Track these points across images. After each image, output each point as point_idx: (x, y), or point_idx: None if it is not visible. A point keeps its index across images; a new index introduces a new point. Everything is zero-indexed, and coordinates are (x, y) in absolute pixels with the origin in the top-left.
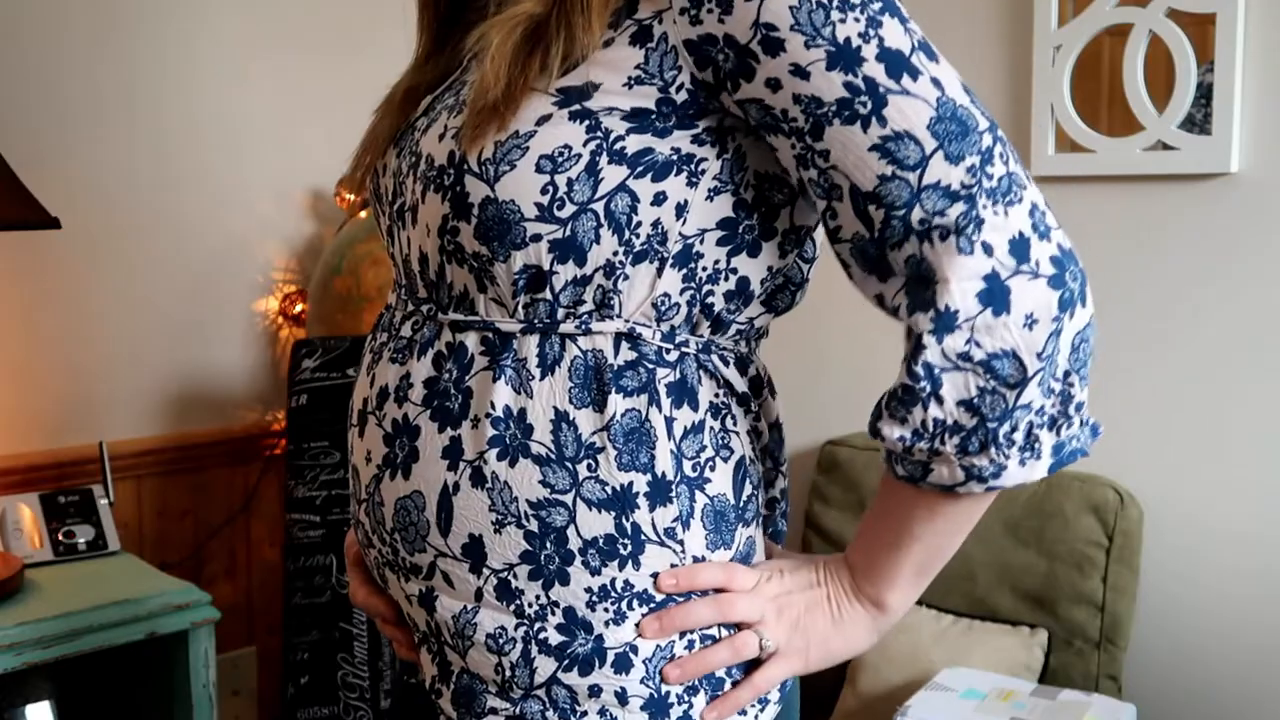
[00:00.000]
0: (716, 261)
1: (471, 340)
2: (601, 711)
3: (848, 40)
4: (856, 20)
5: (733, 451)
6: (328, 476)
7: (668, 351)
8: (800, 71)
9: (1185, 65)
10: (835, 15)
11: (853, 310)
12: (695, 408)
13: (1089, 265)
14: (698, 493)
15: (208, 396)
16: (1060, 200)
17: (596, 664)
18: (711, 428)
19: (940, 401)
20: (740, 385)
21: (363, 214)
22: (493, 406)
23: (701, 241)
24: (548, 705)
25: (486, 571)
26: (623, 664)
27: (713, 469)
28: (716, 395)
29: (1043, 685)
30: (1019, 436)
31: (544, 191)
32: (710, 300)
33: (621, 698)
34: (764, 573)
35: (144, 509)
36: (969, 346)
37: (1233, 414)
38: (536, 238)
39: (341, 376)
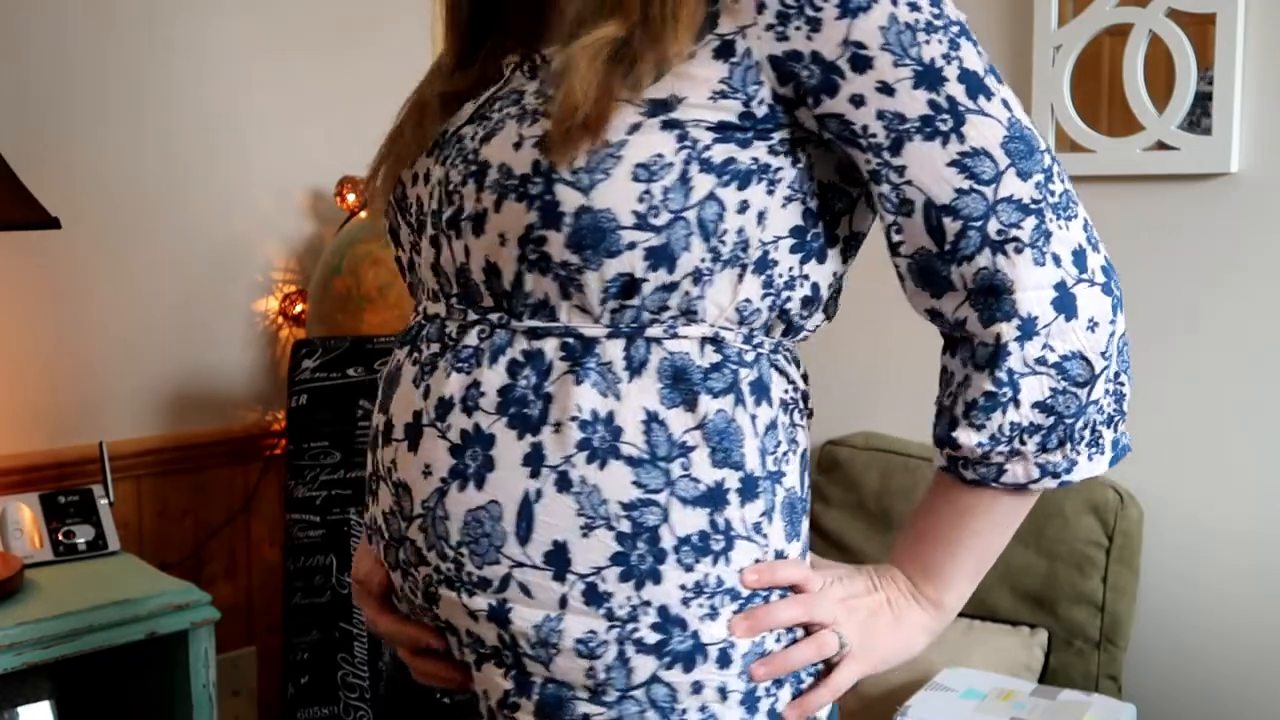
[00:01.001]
0: (790, 268)
1: (550, 346)
2: (702, 708)
3: (932, 60)
4: (940, 42)
5: (798, 445)
6: (328, 476)
7: (746, 353)
8: (886, 89)
9: (1185, 65)
10: (921, 37)
11: (853, 311)
12: (771, 405)
13: None
14: (777, 487)
15: (208, 396)
16: None
17: (699, 660)
18: (783, 423)
19: (1018, 405)
20: (801, 383)
21: (362, 214)
22: (579, 410)
23: (776, 249)
24: (646, 705)
25: (572, 577)
26: (725, 659)
27: (787, 463)
28: (785, 392)
29: (1043, 685)
30: (1088, 433)
31: (640, 200)
32: (788, 306)
33: (723, 693)
34: (827, 576)
35: (144, 509)
36: (1045, 351)
37: (1233, 414)
38: (632, 245)
39: (341, 376)
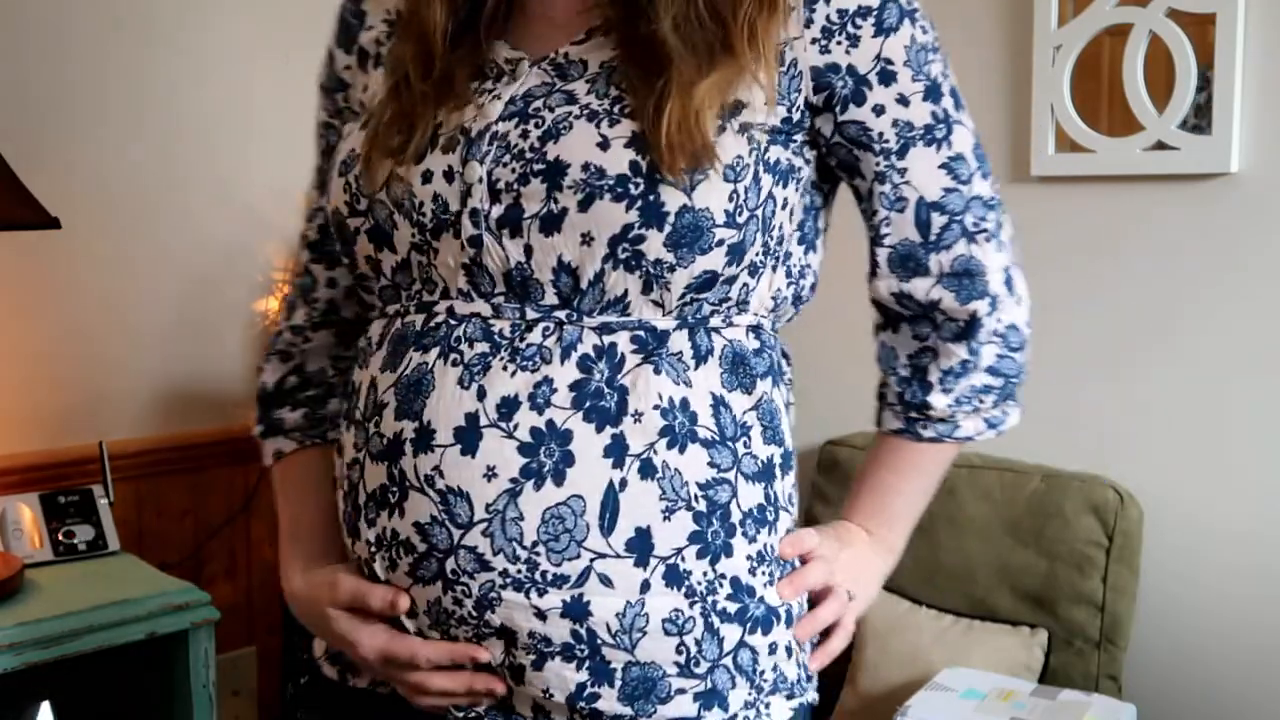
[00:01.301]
0: (799, 260)
1: (622, 340)
2: (774, 667)
3: (936, 76)
4: (939, 61)
5: (789, 416)
6: None
7: (772, 338)
8: (903, 100)
9: (1185, 65)
10: (929, 56)
11: (853, 311)
12: (786, 385)
13: (1088, 265)
14: (793, 459)
15: (208, 396)
16: (1060, 200)
17: (774, 623)
18: (789, 401)
19: (979, 370)
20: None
21: None
22: (659, 398)
23: (793, 242)
24: (734, 671)
25: (654, 561)
26: (789, 620)
27: (789, 435)
28: (784, 371)
29: (1043, 685)
30: (1018, 392)
31: (730, 199)
32: (801, 294)
33: (789, 651)
34: (816, 538)
35: (144, 509)
36: (998, 324)
37: (1233, 414)
38: (720, 243)
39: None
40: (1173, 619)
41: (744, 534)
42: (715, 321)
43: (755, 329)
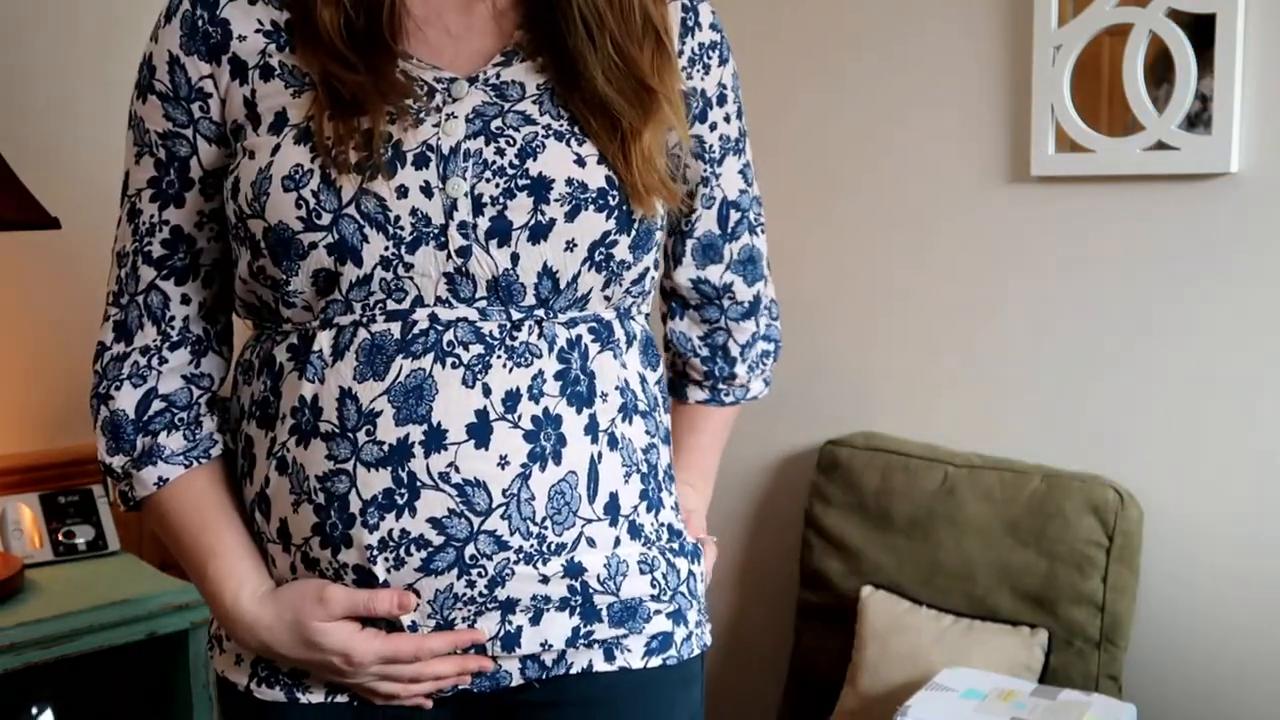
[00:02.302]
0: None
1: (583, 332)
2: (705, 592)
3: (740, 98)
4: (739, 86)
5: None
6: None
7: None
8: (728, 118)
9: (1185, 65)
10: (737, 81)
11: (853, 311)
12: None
13: (1088, 265)
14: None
15: None
16: (1060, 200)
17: (699, 557)
18: None
19: (762, 339)
20: None
21: None
22: (617, 379)
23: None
24: (688, 595)
25: (621, 520)
26: (698, 556)
27: None
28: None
29: (1043, 685)
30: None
31: (663, 206)
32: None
33: (703, 578)
34: (694, 500)
35: None
36: (769, 299)
37: (1233, 414)
38: (658, 244)
39: None
40: (1173, 619)
41: (666, 489)
42: (633, 311)
43: (646, 315)
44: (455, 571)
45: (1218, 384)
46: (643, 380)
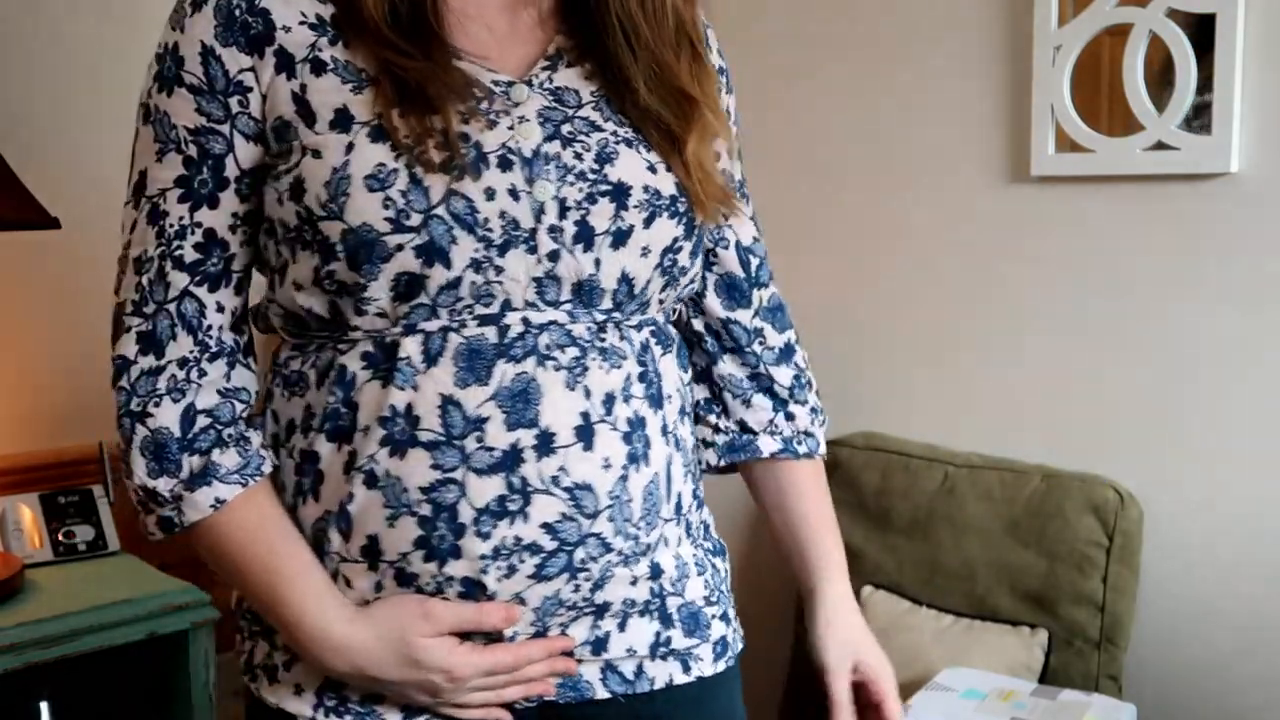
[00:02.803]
0: None
1: (647, 335)
2: (731, 587)
3: (738, 134)
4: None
5: None
6: None
7: None
8: (733, 151)
9: (1185, 65)
10: (738, 115)
11: (853, 311)
12: None
13: (1088, 265)
14: None
15: None
16: (1060, 200)
17: (725, 551)
18: None
19: (808, 387)
20: None
21: None
22: (678, 381)
23: None
24: (727, 594)
25: (682, 519)
26: (725, 550)
27: None
28: None
29: (1043, 685)
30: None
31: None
32: None
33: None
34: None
35: None
36: (800, 348)
37: (1233, 414)
38: (705, 250)
39: None
40: (1173, 619)
41: (699, 485)
42: (671, 315)
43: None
44: (565, 576)
45: (1218, 383)
46: (688, 383)
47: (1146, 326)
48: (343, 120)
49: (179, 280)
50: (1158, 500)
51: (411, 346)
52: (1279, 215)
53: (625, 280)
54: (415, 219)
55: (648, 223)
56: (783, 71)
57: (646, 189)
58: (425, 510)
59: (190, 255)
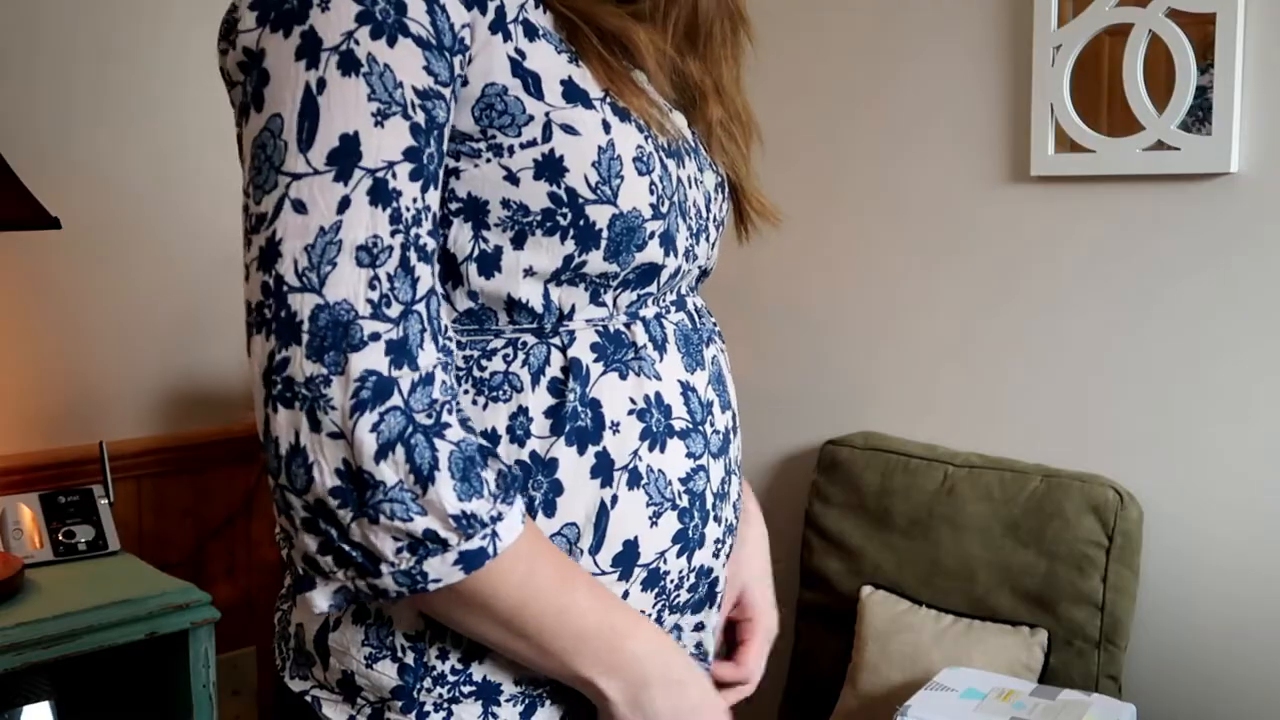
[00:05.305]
0: None
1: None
2: None
3: None
4: None
5: None
6: None
7: None
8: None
9: (1185, 65)
10: None
11: (853, 311)
12: None
13: (1088, 265)
14: None
15: (208, 396)
16: (1060, 200)
17: None
18: None
19: None
20: None
21: None
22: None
23: None
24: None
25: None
26: None
27: None
28: None
29: (1043, 685)
30: None
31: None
32: None
33: None
34: None
35: (144, 509)
36: None
37: (1233, 414)
38: None
39: None
40: (1173, 619)
41: None
42: None
43: None
44: (729, 553)
45: (1218, 384)
46: None
47: (1146, 326)
48: (573, 93)
49: (425, 275)
50: (1158, 500)
51: (640, 334)
52: (1279, 215)
53: (708, 264)
54: (666, 205)
55: (724, 209)
56: (782, 71)
57: (726, 181)
58: (684, 502)
59: (430, 244)
